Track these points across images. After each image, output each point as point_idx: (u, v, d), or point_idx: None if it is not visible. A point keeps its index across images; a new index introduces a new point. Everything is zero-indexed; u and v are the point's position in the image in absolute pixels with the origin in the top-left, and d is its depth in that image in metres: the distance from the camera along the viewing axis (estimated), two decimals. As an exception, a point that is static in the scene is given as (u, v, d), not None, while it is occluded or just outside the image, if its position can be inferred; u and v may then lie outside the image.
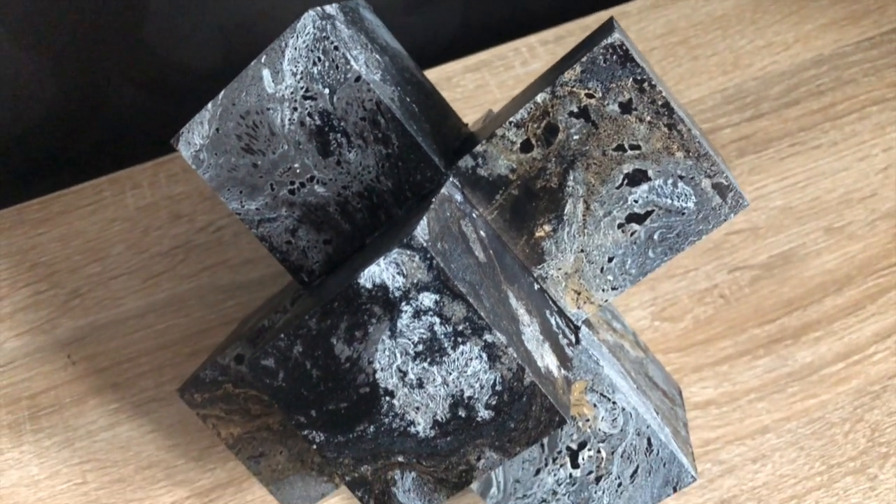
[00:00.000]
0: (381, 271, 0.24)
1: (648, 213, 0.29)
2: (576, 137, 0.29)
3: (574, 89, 0.28)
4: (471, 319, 0.25)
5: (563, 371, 0.27)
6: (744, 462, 0.41)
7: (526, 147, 0.29)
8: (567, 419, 0.25)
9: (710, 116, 0.51)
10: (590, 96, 0.28)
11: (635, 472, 0.32)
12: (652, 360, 0.37)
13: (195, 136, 0.30)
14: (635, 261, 0.30)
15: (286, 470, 0.34)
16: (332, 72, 0.29)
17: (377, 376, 0.26)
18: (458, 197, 0.29)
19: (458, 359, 0.25)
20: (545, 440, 0.32)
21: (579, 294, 0.31)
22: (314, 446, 0.27)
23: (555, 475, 0.33)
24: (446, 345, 0.25)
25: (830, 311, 0.45)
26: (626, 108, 0.28)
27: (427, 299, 0.25)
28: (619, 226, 0.29)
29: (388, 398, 0.26)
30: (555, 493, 0.33)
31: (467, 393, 0.25)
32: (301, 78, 0.29)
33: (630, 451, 0.32)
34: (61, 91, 0.49)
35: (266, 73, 0.29)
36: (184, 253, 0.47)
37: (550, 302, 0.30)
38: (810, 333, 0.44)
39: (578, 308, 0.31)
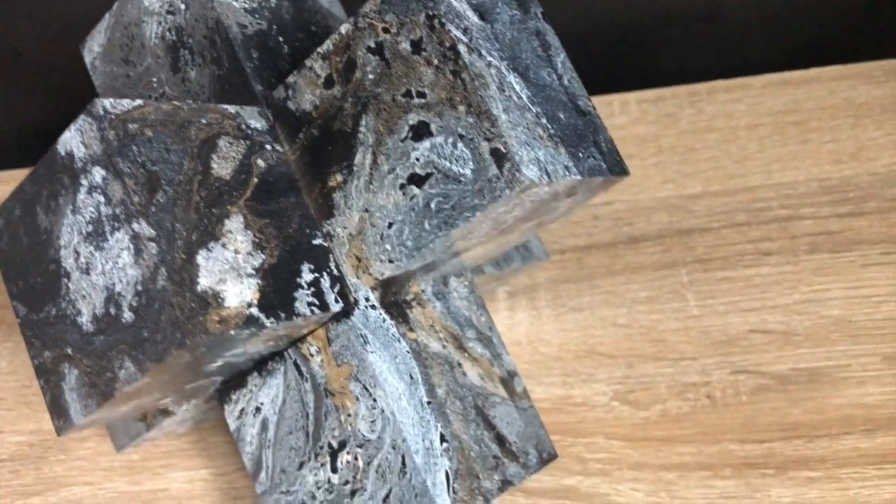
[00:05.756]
0: (70, 137, 0.24)
1: (428, 176, 0.25)
2: (370, 77, 0.26)
3: (373, 21, 0.25)
4: (125, 203, 0.23)
5: (253, 309, 0.24)
6: (640, 590, 0.32)
7: (329, 83, 0.27)
8: (191, 342, 0.22)
9: (794, 203, 0.42)
10: (386, 31, 0.25)
11: (388, 496, 0.27)
12: (519, 407, 0.31)
13: (95, 43, 0.32)
14: (412, 231, 0.25)
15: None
16: (186, -14, 0.29)
17: (60, 254, 0.25)
18: (258, 125, 0.27)
19: (113, 247, 0.23)
20: (310, 429, 0.28)
21: (360, 261, 0.27)
22: (19, 320, 0.26)
23: (315, 475, 0.28)
24: (107, 228, 0.23)
25: (846, 453, 0.34)
26: (416, 47, 0.25)
27: (98, 174, 0.23)
28: (401, 186, 0.25)
29: (66, 280, 0.25)
30: (313, 496, 0.28)
31: (117, 288, 0.23)
32: (164, -10, 0.30)
33: (385, 468, 0.27)
34: None
35: (141, -17, 0.30)
36: None
37: (331, 263, 0.27)
38: (804, 471, 0.33)
39: (357, 278, 0.27)
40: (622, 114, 0.49)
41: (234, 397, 0.30)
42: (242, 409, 0.30)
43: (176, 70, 0.30)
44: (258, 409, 0.29)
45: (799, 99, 0.47)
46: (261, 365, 0.29)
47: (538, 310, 0.41)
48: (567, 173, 0.25)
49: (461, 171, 0.24)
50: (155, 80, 0.31)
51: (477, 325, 0.31)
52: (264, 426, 0.29)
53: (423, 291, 0.30)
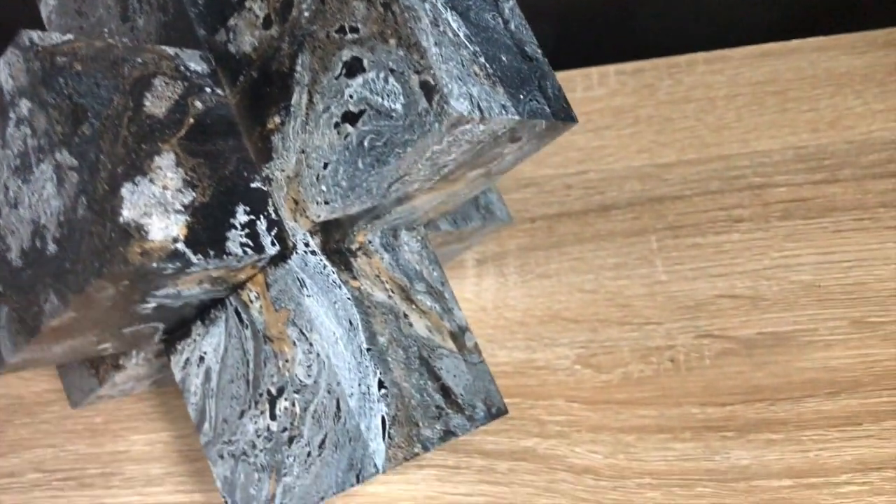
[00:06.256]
0: (-1, 71, 0.24)
1: (361, 113, 0.25)
2: (306, 14, 0.25)
3: (308, -42, 0.25)
4: (48, 133, 0.23)
5: (179, 244, 0.23)
6: (593, 551, 0.31)
7: (267, 23, 0.26)
8: (108, 272, 0.22)
9: (769, 171, 0.41)
10: (320, -33, 0.25)
11: (324, 441, 0.26)
12: (469, 361, 0.30)
13: (51, -4, 0.32)
14: (346, 171, 0.25)
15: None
16: (133, -67, 0.29)
17: (-9, 190, 0.24)
18: (198, 68, 0.27)
19: (38, 178, 0.23)
20: (250, 377, 0.28)
21: (297, 204, 0.26)
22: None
23: (255, 423, 0.28)
24: (32, 160, 0.23)
25: (808, 415, 0.33)
26: (349, -19, 0.24)
27: (24, 106, 0.23)
28: (336, 125, 0.25)
29: (-4, 216, 0.24)
30: (253, 445, 0.28)
31: (42, 220, 0.23)
32: (112, -62, 0.30)
33: (321, 412, 0.26)
34: None
35: (90, -68, 0.30)
36: None
37: (270, 207, 0.27)
38: (764, 433, 0.33)
39: (295, 221, 0.27)
40: (601, 86, 0.48)
41: (179, 347, 0.30)
42: (187, 359, 0.29)
43: (125, 19, 0.30)
44: (202, 359, 0.29)
45: (779, 70, 0.46)
46: (204, 314, 0.29)
47: (505, 276, 0.40)
48: (503, 112, 0.25)
49: (392, 106, 0.24)
50: (106, 30, 0.30)
51: (428, 279, 0.31)
52: (208, 376, 0.29)
53: (369, 242, 0.29)
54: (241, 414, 0.28)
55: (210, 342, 0.29)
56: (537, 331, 0.38)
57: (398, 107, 0.24)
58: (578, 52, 0.53)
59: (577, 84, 0.48)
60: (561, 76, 0.49)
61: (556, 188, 0.43)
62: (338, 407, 0.26)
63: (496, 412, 0.30)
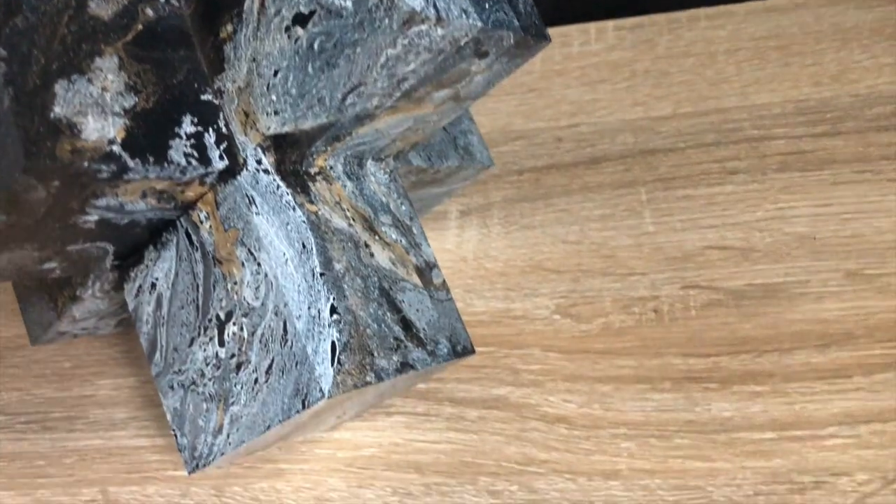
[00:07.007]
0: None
1: (312, 14, 0.23)
2: (259, -86, 0.24)
3: None
4: (-22, 22, 0.21)
5: (115, 147, 0.22)
6: (561, 502, 0.29)
7: (221, -73, 0.25)
8: (33, 165, 0.21)
9: (767, 124, 0.39)
10: None
11: (271, 366, 0.25)
12: (434, 297, 0.29)
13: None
14: (296, 77, 0.24)
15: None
16: None
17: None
18: (152, -23, 0.26)
19: (-32, 71, 0.22)
20: (199, 302, 0.27)
21: (248, 116, 0.25)
22: None
23: (204, 350, 0.27)
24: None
25: (796, 367, 0.31)
26: None
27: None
28: (286, 29, 0.24)
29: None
30: (202, 374, 0.27)
31: (-29, 116, 0.22)
32: None
33: (268, 336, 0.25)
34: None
35: None
36: None
37: (220, 121, 0.25)
38: (749, 385, 0.31)
39: (246, 135, 0.25)
40: (598, 41, 0.47)
41: (132, 275, 0.29)
42: (140, 286, 0.28)
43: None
44: (153, 285, 0.28)
45: (783, 24, 0.44)
46: (156, 238, 0.28)
47: (489, 227, 0.39)
48: (464, 16, 0.23)
49: (343, 4, 0.23)
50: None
51: (394, 212, 0.30)
52: (159, 303, 0.28)
53: (330, 168, 0.28)
54: (191, 341, 0.27)
55: (161, 267, 0.28)
56: (517, 281, 0.36)
57: (348, 4, 0.22)
58: (577, 7, 0.52)
59: (574, 39, 0.47)
60: (557, 31, 0.47)
61: (546, 141, 0.42)
62: (284, 329, 0.25)
63: (462, 350, 0.29)
